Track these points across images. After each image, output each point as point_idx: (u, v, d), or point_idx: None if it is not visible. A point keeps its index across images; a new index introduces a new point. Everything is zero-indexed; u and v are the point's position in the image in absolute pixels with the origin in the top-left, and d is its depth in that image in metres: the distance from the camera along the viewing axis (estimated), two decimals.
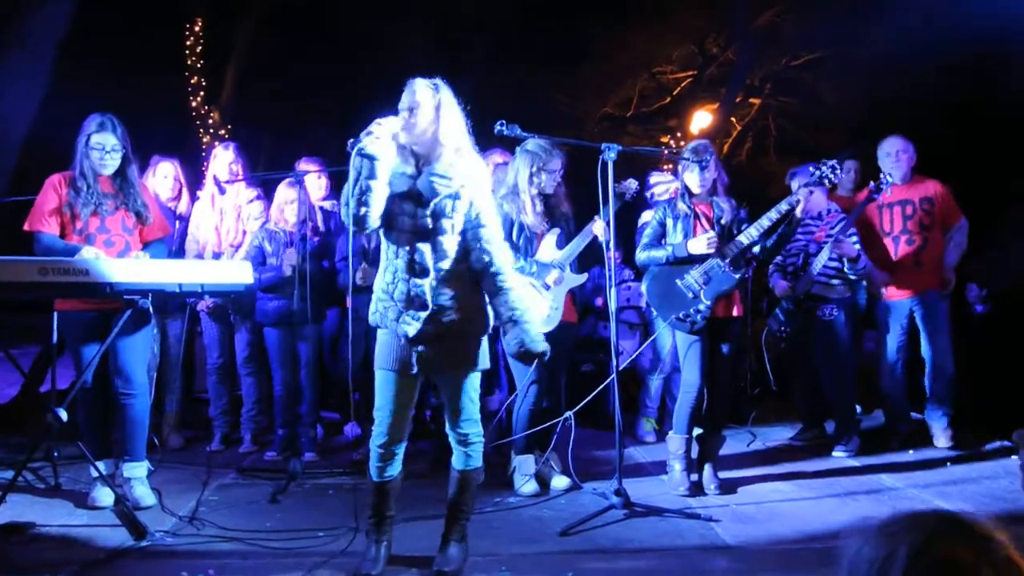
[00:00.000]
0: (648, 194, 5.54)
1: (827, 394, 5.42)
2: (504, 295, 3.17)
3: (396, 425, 3.21)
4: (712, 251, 4.29)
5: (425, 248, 3.11)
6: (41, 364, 5.85)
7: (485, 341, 3.29)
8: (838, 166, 4.38)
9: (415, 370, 3.16)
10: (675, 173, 4.76)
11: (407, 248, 3.11)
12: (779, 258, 5.36)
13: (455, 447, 3.31)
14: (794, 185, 5.35)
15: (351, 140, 3.03)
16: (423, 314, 3.10)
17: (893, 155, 5.33)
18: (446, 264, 3.13)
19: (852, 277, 5.16)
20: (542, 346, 3.18)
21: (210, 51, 11.62)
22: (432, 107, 3.11)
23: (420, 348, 3.14)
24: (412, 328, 3.10)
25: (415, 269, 3.11)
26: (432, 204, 3.10)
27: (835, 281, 5.19)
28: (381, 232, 3.20)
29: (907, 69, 9.79)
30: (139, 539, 3.56)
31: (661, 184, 5.53)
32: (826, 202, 5.34)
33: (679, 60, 13.57)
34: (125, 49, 9.85)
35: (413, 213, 3.11)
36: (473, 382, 3.25)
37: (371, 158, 3.00)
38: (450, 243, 3.14)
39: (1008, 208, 6.77)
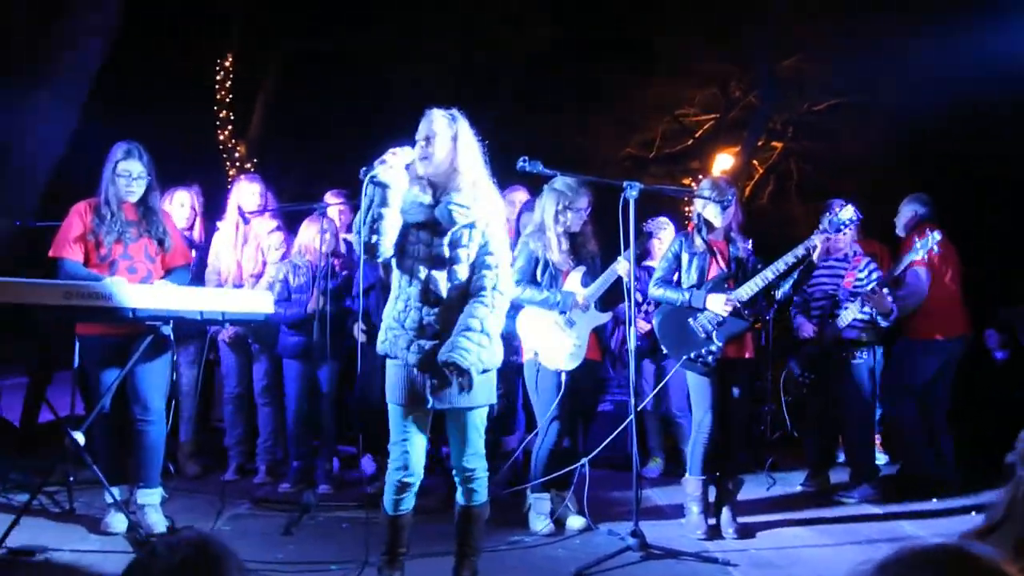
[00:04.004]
0: (652, 242, 5.57)
1: (849, 440, 5.33)
2: (469, 305, 3.09)
3: (412, 458, 3.18)
4: (727, 313, 4.27)
5: (440, 276, 3.11)
6: (37, 389, 5.78)
7: (494, 375, 3.24)
8: (856, 213, 4.35)
9: (429, 403, 3.13)
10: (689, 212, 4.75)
11: (421, 276, 3.11)
12: (798, 299, 5.28)
13: (459, 483, 3.28)
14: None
15: (363, 169, 3.05)
16: (434, 343, 3.09)
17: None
18: (459, 293, 3.13)
19: (883, 326, 5.07)
20: (464, 363, 2.98)
21: (239, 85, 11.83)
22: (449, 137, 3.14)
23: (431, 379, 3.11)
24: (424, 357, 3.09)
25: (428, 297, 3.11)
26: (449, 233, 3.12)
27: (865, 331, 5.10)
28: (393, 261, 3.20)
29: (927, 117, 9.80)
30: None
31: (662, 230, 5.54)
32: (851, 243, 5.22)
33: (702, 103, 13.66)
34: (156, 81, 10.05)
35: (429, 242, 3.12)
36: (480, 415, 3.21)
37: (383, 186, 3.02)
38: (464, 272, 3.15)
39: None
